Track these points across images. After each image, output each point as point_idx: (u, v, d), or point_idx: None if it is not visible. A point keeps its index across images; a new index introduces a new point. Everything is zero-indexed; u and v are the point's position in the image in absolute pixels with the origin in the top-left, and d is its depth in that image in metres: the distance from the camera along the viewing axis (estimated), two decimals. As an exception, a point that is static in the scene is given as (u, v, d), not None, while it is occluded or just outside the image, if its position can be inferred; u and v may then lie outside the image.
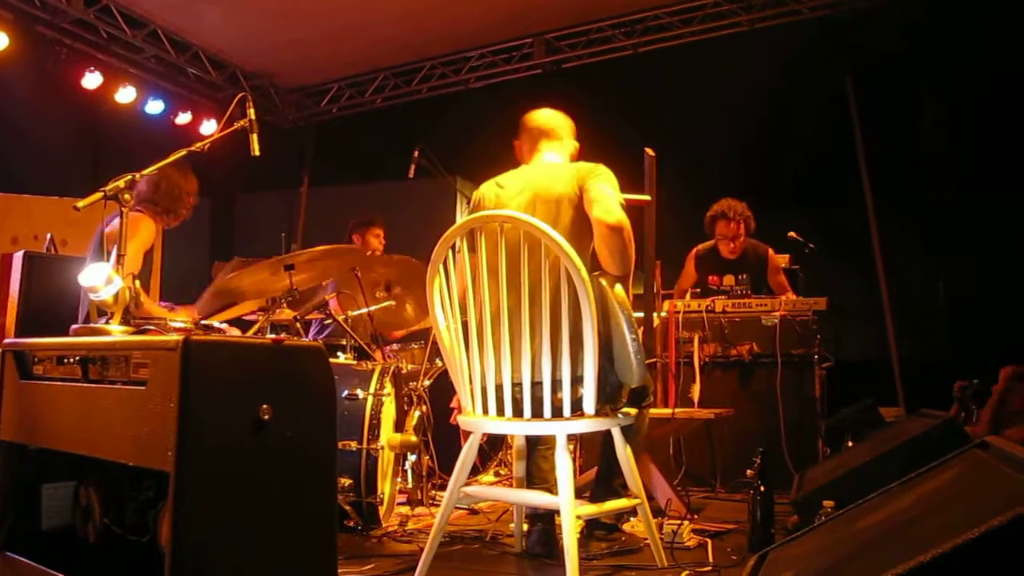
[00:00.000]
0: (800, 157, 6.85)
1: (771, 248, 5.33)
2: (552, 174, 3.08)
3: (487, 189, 3.15)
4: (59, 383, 2.28)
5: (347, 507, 3.41)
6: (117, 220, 3.60)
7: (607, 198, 2.85)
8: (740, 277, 5.02)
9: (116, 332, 2.35)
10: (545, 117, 3.29)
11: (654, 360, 3.71)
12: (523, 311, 2.60)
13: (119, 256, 2.61)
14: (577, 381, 2.61)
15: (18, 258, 4.10)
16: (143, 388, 1.94)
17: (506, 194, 3.07)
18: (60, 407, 2.27)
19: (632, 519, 3.41)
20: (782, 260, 5.62)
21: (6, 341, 2.57)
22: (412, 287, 4.54)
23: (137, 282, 2.56)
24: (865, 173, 6.82)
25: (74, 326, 2.59)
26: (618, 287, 2.77)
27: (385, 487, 3.56)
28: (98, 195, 2.81)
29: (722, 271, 5.09)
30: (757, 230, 5.32)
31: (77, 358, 2.23)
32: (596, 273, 2.81)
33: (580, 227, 2.91)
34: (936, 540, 1.47)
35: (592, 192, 2.88)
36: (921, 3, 6.36)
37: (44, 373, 2.37)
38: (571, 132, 3.31)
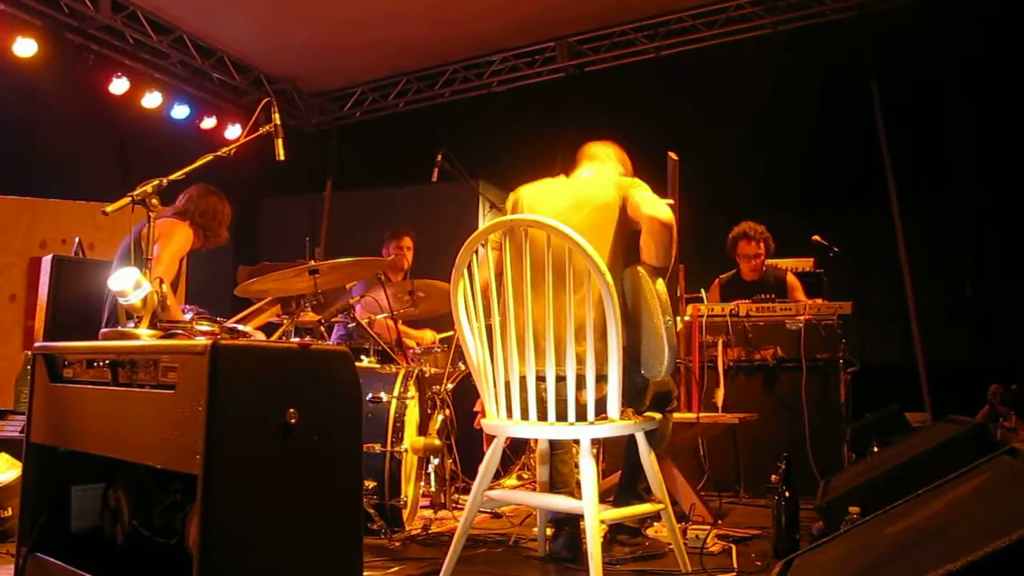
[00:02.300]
0: (824, 159, 6.79)
1: (790, 272, 5.35)
2: (593, 183, 3.13)
3: (523, 193, 3.15)
4: (89, 386, 2.31)
5: (371, 510, 3.42)
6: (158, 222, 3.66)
7: (655, 198, 2.93)
8: (763, 297, 5.01)
9: (145, 336, 2.38)
10: (593, 144, 3.35)
11: (678, 362, 3.70)
12: (548, 314, 2.60)
13: (146, 260, 2.64)
14: (601, 380, 2.60)
15: (47, 262, 4.16)
16: (172, 392, 1.96)
17: (543, 199, 3.08)
18: (90, 410, 2.30)
19: (656, 524, 3.40)
20: (807, 263, 5.61)
21: (37, 345, 2.60)
22: (435, 297, 4.61)
23: (166, 286, 2.59)
24: (890, 174, 6.77)
25: (103, 330, 2.63)
26: (659, 281, 2.78)
27: (408, 490, 3.57)
28: (126, 200, 2.84)
29: (745, 296, 5.09)
30: (782, 234, 5.32)
31: (107, 361, 2.25)
32: (635, 265, 2.82)
33: (621, 235, 2.93)
34: (966, 548, 1.46)
35: (637, 197, 2.93)
36: (945, 2, 6.30)
37: (74, 376, 2.40)
38: (618, 159, 3.32)
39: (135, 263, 3.61)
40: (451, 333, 4.78)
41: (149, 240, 2.72)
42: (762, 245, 5.23)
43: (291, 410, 1.96)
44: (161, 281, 2.59)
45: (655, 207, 2.87)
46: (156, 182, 2.84)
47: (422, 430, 3.75)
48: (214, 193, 4.11)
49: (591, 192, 3.04)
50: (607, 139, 3.39)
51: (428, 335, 5.28)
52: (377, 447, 3.47)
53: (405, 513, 3.53)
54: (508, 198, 3.23)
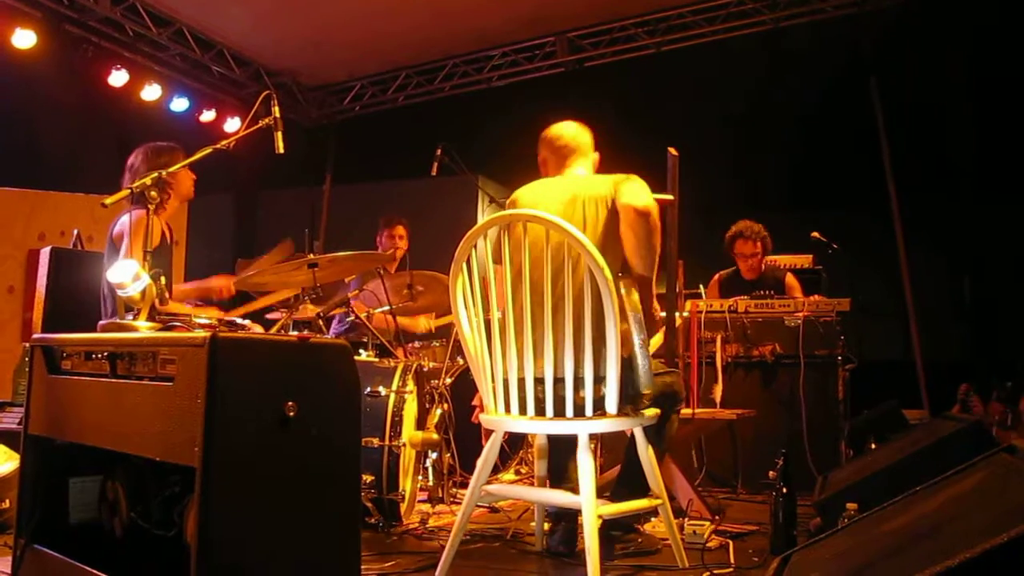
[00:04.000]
0: (824, 155, 6.81)
1: (789, 272, 5.36)
2: (590, 180, 3.12)
3: (522, 193, 3.16)
4: (87, 378, 2.31)
5: (368, 504, 3.42)
6: (124, 219, 3.64)
7: (638, 189, 2.91)
8: (761, 294, 5.02)
9: (143, 328, 2.38)
10: (571, 133, 3.28)
11: (674, 369, 3.68)
12: (546, 309, 2.60)
13: (147, 253, 2.64)
14: (599, 380, 2.61)
15: (45, 254, 4.16)
16: (170, 384, 1.96)
17: (541, 196, 3.08)
18: (88, 402, 2.29)
19: (653, 519, 3.40)
20: (805, 260, 5.61)
21: (35, 336, 2.60)
22: (434, 289, 4.60)
23: (163, 279, 2.59)
24: (889, 172, 6.77)
25: (102, 322, 2.62)
26: (635, 295, 2.76)
27: (406, 484, 3.58)
28: (125, 192, 2.85)
29: (743, 291, 5.10)
30: (781, 230, 5.32)
31: (105, 353, 2.25)
32: (624, 277, 2.81)
33: (614, 229, 2.93)
34: (963, 545, 1.46)
35: (624, 187, 2.93)
36: (947, 3, 6.31)
37: (72, 368, 2.39)
38: (592, 145, 3.31)
39: (108, 261, 3.60)
40: (450, 318, 4.76)
41: (148, 233, 2.71)
42: (759, 244, 5.23)
43: (290, 403, 1.96)
44: (160, 274, 2.59)
45: (633, 195, 2.86)
46: (155, 175, 2.84)
47: (420, 424, 3.75)
48: (161, 153, 3.69)
49: (586, 188, 3.03)
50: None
51: (422, 322, 5.27)
52: (375, 441, 3.47)
53: (403, 507, 3.53)
54: (507, 202, 3.23)
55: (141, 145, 3.76)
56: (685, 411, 4.18)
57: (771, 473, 3.11)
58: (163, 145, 3.70)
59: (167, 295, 2.64)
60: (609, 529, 3.29)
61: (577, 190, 3.03)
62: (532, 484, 3.78)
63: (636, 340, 2.68)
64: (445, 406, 3.99)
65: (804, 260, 5.64)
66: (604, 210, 2.94)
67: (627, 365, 2.72)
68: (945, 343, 6.71)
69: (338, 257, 3.63)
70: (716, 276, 5.47)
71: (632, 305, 2.71)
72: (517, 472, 4.76)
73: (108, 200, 2.74)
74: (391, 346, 4.22)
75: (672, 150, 3.69)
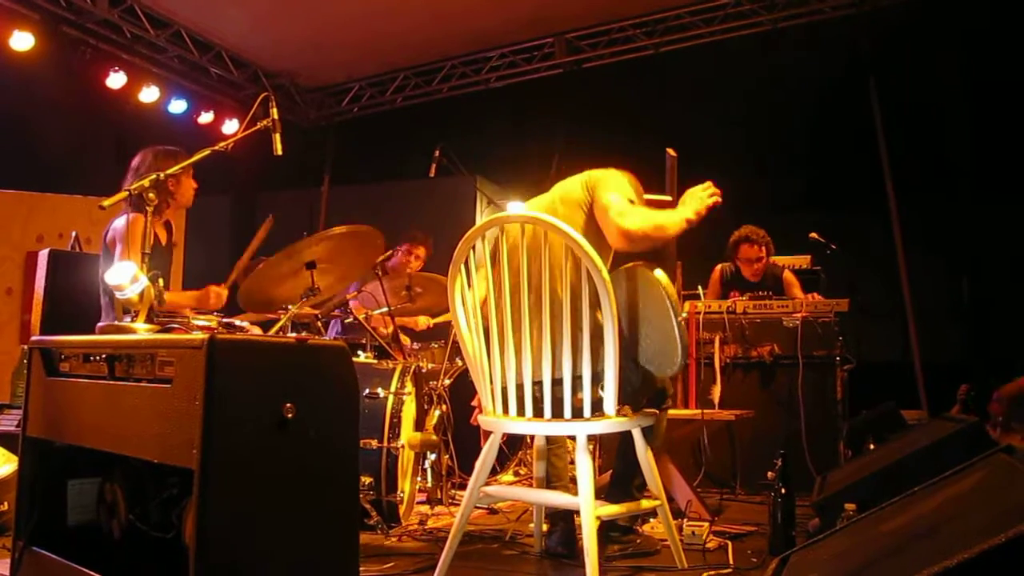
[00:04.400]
0: (822, 157, 6.80)
1: (787, 269, 5.37)
2: (563, 184, 3.16)
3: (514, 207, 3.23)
4: (85, 380, 2.31)
5: (367, 505, 3.42)
6: (117, 223, 3.63)
7: (614, 205, 2.88)
8: (760, 295, 5.04)
9: (141, 330, 2.38)
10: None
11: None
12: (544, 309, 2.60)
13: (144, 255, 2.63)
14: (596, 379, 2.61)
15: (43, 256, 4.16)
16: (168, 386, 1.96)
17: (532, 206, 3.16)
18: (86, 404, 2.29)
19: (652, 520, 3.40)
20: (804, 260, 5.61)
21: (33, 339, 2.60)
22: (432, 291, 4.60)
23: (161, 281, 2.59)
24: (888, 173, 6.77)
25: (100, 324, 2.62)
26: (658, 271, 2.76)
27: (405, 486, 3.58)
28: (123, 194, 2.84)
29: (743, 289, 5.11)
30: (779, 231, 5.33)
31: (103, 356, 2.25)
32: (633, 264, 2.82)
33: (592, 228, 2.94)
34: (962, 545, 1.46)
35: (602, 200, 2.91)
36: (945, 3, 6.31)
37: (70, 370, 2.39)
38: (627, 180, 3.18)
39: (104, 264, 3.60)
40: (447, 317, 4.77)
41: (146, 235, 2.71)
42: (763, 248, 5.24)
43: (288, 405, 1.96)
44: (158, 276, 2.59)
45: (618, 214, 2.83)
46: (153, 176, 2.83)
47: (419, 426, 3.76)
48: (166, 157, 3.64)
49: (560, 190, 3.09)
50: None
51: (422, 320, 5.26)
52: (374, 443, 3.47)
53: (402, 509, 3.53)
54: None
55: (145, 147, 3.76)
56: (694, 412, 4.20)
57: (770, 474, 3.11)
58: (167, 149, 3.69)
59: (165, 297, 2.63)
60: (608, 530, 3.30)
61: (554, 195, 3.11)
62: (531, 485, 3.78)
63: (673, 318, 2.69)
64: (444, 407, 3.99)
65: (802, 261, 5.64)
66: (580, 213, 2.95)
67: (631, 364, 2.73)
68: (943, 343, 6.70)
69: (332, 235, 3.59)
70: (717, 268, 5.46)
71: (665, 284, 2.73)
72: (516, 473, 4.76)
73: (106, 202, 2.74)
74: (390, 347, 4.22)
75: (670, 151, 3.69)
